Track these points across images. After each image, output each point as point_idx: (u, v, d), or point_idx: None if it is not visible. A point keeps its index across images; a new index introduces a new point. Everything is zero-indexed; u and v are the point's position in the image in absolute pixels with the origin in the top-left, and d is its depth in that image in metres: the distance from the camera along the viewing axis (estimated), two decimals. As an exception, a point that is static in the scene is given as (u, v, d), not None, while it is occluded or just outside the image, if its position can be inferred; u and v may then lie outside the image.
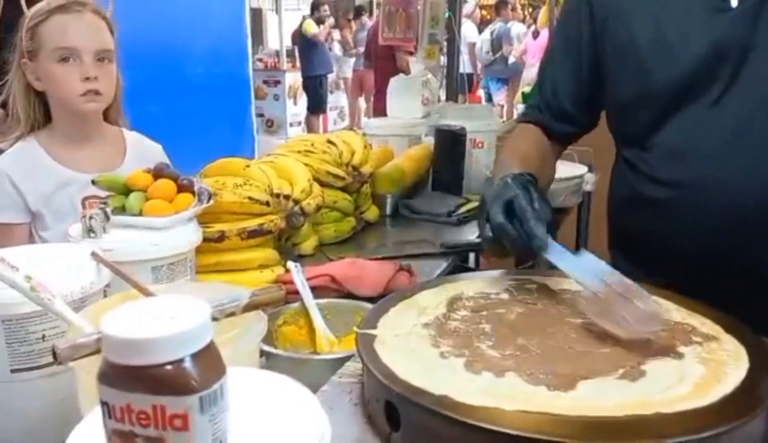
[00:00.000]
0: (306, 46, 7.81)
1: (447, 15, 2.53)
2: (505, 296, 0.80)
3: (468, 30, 8.43)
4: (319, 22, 7.97)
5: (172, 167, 1.06)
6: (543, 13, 6.49)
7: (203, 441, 0.41)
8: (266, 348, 0.87)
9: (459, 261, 1.76)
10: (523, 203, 0.82)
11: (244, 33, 4.92)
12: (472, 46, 8.47)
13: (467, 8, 8.70)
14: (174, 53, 4.19)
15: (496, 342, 0.68)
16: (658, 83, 0.94)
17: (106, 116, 1.42)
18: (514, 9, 8.36)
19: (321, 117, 8.50)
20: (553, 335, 0.70)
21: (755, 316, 0.71)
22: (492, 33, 8.25)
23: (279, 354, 0.89)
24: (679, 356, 0.65)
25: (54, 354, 0.58)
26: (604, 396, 0.58)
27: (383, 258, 1.30)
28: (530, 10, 8.61)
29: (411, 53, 3.14)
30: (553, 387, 0.59)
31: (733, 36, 0.88)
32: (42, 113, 1.36)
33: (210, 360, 0.43)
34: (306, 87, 8.10)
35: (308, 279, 1.08)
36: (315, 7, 8.22)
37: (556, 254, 0.80)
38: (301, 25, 7.87)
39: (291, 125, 8.70)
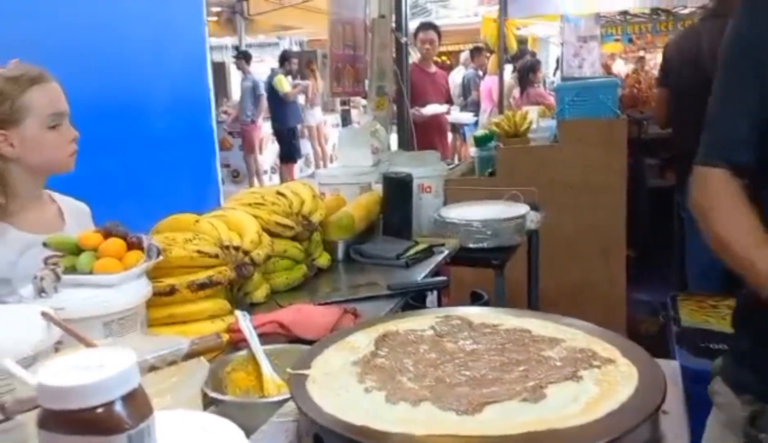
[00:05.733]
0: (277, 99, 7.87)
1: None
2: (429, 332, 0.87)
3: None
4: (289, 74, 8.12)
5: (122, 226, 1.12)
6: (492, 60, 6.76)
7: (132, 475, 0.47)
8: (213, 394, 0.92)
9: (410, 300, 1.83)
10: None
11: (206, 86, 5.01)
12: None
13: (463, 56, 9.11)
14: (135, 109, 4.26)
15: (415, 375, 0.74)
16: None
17: None
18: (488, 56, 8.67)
19: (292, 166, 8.57)
20: (469, 366, 0.76)
21: None
22: (464, 78, 8.56)
23: (226, 400, 0.94)
24: (578, 379, 0.72)
25: (2, 409, 0.63)
26: (506, 418, 0.64)
27: (331, 303, 1.37)
28: (488, 55, 8.95)
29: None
30: (462, 412, 0.66)
31: None
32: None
33: (137, 403, 0.48)
34: (279, 138, 8.16)
35: (258, 326, 1.14)
36: (285, 59, 8.36)
37: None
38: (271, 78, 7.92)
39: (257, 174, 8.76)
